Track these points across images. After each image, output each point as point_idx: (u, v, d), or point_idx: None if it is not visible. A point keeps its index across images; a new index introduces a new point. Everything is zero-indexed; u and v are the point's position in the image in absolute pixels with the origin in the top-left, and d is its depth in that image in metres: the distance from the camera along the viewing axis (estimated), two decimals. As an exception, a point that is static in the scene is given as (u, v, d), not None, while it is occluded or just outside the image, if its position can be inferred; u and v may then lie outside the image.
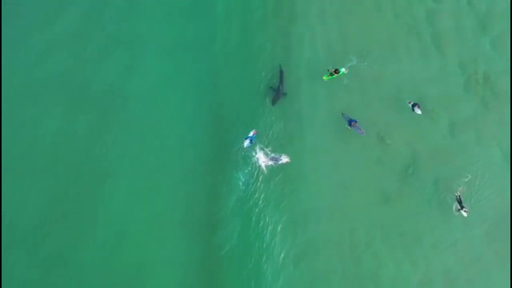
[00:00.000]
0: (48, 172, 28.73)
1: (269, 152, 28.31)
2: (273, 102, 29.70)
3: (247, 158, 28.26)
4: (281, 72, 30.34)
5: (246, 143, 28.17)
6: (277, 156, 28.17)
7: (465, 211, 26.02)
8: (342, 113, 28.89)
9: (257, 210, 27.07)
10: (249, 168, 27.99)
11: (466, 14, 31.85)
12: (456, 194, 26.72)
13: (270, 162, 28.06)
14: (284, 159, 27.99)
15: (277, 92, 29.81)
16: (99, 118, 30.06)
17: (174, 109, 30.31)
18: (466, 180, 27.17)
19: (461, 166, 27.71)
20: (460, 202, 26.35)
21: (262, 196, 27.37)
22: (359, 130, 28.33)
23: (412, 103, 28.79)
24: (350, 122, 28.36)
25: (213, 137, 29.31)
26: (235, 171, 28.03)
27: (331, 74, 29.77)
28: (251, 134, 28.61)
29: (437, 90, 29.76)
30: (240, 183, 27.77)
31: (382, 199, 27.26)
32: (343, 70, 29.93)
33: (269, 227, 26.68)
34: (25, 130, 29.98)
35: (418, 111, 28.51)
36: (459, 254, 26.04)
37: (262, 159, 28.16)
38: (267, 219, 26.86)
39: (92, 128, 29.75)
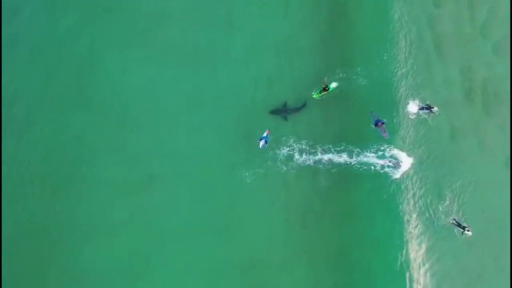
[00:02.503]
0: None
1: (383, 153, 27.57)
2: (272, 112, 29.52)
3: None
4: (303, 105, 29.80)
5: (262, 143, 27.43)
6: (395, 158, 27.05)
7: (467, 230, 26.04)
8: (371, 112, 28.59)
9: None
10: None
11: (467, 20, 31.86)
12: (451, 221, 26.62)
13: (389, 164, 27.09)
14: (406, 161, 27.04)
15: (283, 110, 29.51)
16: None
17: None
18: (461, 185, 27.53)
19: (461, 172, 27.92)
20: (458, 225, 26.29)
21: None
22: (384, 133, 27.99)
23: (420, 106, 28.89)
24: (377, 122, 28.03)
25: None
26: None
27: (321, 92, 29.49)
28: (265, 134, 27.90)
29: (438, 96, 29.89)
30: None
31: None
32: (332, 86, 29.75)
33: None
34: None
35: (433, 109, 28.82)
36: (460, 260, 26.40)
37: (375, 159, 27.21)
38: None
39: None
